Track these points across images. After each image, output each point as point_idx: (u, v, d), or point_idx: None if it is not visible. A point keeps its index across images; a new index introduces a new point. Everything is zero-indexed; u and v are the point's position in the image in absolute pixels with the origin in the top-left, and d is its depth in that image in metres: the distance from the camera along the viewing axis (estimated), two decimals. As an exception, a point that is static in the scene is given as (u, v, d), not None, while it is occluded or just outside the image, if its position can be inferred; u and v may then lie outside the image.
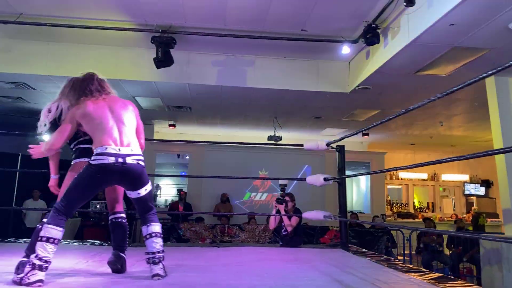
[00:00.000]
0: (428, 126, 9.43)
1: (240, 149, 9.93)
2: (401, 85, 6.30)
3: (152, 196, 2.74)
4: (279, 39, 5.69)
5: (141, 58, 6.37)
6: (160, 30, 5.55)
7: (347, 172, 14.95)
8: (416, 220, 11.75)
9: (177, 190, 8.78)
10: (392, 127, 9.75)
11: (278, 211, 4.71)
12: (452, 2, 3.81)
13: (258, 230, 6.81)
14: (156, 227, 2.59)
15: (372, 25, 5.07)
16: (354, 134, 3.97)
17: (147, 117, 9.18)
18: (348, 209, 11.26)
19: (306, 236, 6.78)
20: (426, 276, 2.73)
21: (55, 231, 2.26)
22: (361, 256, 3.76)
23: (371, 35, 5.07)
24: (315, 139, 5.80)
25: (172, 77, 6.40)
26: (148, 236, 2.54)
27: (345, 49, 5.62)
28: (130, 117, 2.64)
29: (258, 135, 9.84)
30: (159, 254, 2.51)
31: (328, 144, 4.33)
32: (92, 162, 2.41)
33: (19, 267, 2.35)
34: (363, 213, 10.70)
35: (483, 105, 7.07)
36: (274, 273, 2.80)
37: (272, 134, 8.87)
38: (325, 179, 4.31)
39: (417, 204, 13.82)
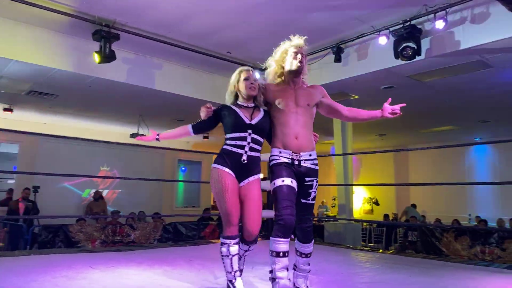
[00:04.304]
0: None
1: (81, 141, 9.33)
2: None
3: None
4: (208, 55, 6.37)
5: (42, 41, 5.68)
6: (104, 24, 5.26)
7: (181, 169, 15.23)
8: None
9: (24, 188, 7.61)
10: (219, 132, 11.18)
11: None
12: (365, 68, 5.70)
13: (149, 228, 6.99)
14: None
15: (289, 63, 6.47)
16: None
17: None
18: (182, 204, 12.21)
19: (190, 230, 7.46)
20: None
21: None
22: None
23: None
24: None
25: (75, 66, 5.94)
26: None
27: (256, 75, 6.78)
28: None
29: (120, 130, 9.55)
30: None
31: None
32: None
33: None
34: (195, 206, 11.83)
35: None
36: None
37: (136, 131, 8.91)
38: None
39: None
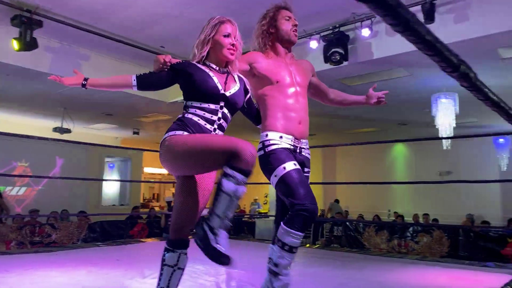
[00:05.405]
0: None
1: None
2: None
3: None
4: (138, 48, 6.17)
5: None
6: (25, 9, 4.87)
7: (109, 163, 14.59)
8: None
9: None
10: (151, 128, 10.73)
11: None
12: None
13: (72, 227, 6.57)
14: None
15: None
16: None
17: None
18: (110, 202, 11.71)
19: (118, 229, 7.19)
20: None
21: None
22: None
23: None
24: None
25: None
26: None
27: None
28: None
29: (42, 124, 8.87)
30: None
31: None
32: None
33: None
34: (123, 205, 11.38)
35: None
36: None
37: (59, 125, 8.36)
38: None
39: (146, 196, 15.60)
